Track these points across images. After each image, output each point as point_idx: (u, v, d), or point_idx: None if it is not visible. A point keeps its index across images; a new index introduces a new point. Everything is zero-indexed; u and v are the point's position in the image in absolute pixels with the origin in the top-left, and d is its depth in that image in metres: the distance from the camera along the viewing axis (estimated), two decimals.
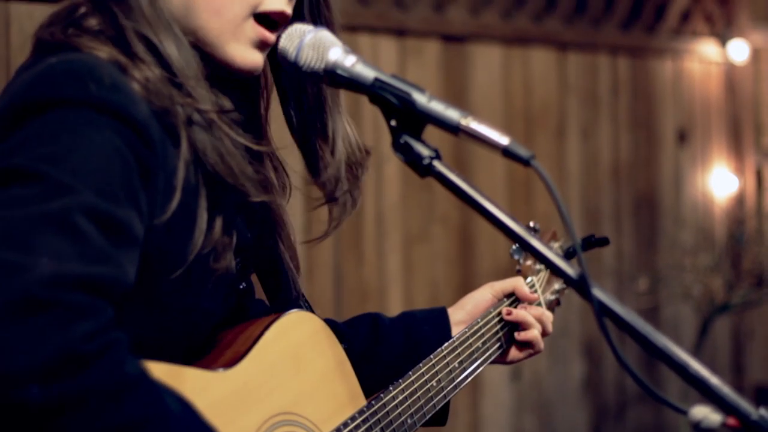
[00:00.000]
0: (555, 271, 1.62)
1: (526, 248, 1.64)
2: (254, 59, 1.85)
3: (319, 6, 1.93)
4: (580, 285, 1.60)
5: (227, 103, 1.83)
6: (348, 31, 3.96)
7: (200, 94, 1.76)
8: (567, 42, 4.91)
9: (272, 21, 1.84)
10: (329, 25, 1.90)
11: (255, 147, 1.84)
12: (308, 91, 1.98)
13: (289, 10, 1.84)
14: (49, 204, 1.51)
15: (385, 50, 4.15)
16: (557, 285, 2.45)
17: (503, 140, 1.62)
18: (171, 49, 1.75)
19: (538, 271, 2.41)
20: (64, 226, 1.50)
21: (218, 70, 1.86)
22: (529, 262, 2.43)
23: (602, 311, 1.59)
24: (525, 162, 1.61)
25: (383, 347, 2.26)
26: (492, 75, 4.58)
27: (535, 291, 2.37)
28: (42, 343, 1.42)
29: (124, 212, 1.57)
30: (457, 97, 4.42)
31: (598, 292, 1.59)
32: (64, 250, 1.48)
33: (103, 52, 1.70)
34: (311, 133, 2.00)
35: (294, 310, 1.94)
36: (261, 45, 1.84)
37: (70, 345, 1.43)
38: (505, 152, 1.62)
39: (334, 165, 1.99)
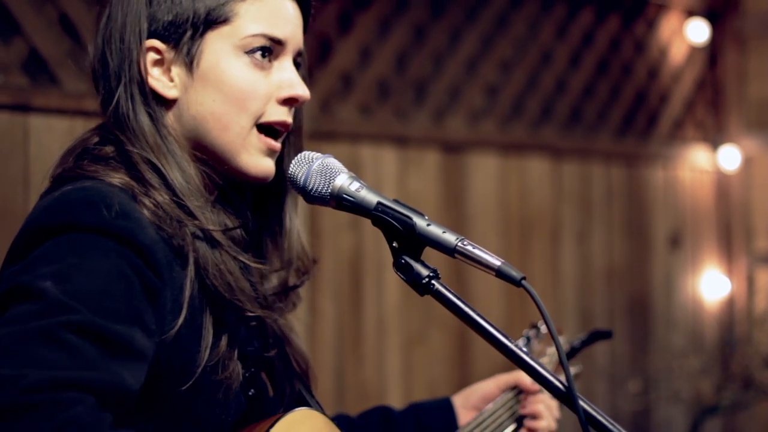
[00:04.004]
0: (542, 385, 1.72)
1: (517, 363, 1.71)
2: (266, 165, 1.97)
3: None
4: (566, 397, 1.68)
5: (228, 220, 1.94)
6: (351, 140, 4.06)
7: (204, 215, 1.86)
8: (562, 150, 4.95)
9: (275, 130, 1.97)
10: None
11: (253, 265, 1.94)
12: (269, 192, 2.10)
13: (289, 119, 1.98)
14: (45, 320, 1.59)
15: (387, 158, 4.20)
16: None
17: (496, 262, 1.70)
18: (174, 174, 1.86)
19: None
20: (56, 340, 1.57)
21: (231, 182, 1.98)
22: (535, 354, 2.52)
23: (588, 422, 1.68)
24: (516, 283, 1.69)
25: None
26: (489, 182, 4.62)
27: None
28: None
29: (123, 328, 1.65)
30: (455, 203, 4.46)
31: (583, 404, 1.67)
32: (53, 361, 1.56)
33: (116, 178, 1.81)
34: (265, 231, 2.10)
35: (299, 408, 2.00)
36: (269, 152, 1.97)
37: None
38: (498, 273, 1.70)
39: (284, 264, 2.09)
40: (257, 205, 2.10)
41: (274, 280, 2.09)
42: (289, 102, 1.98)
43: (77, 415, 1.53)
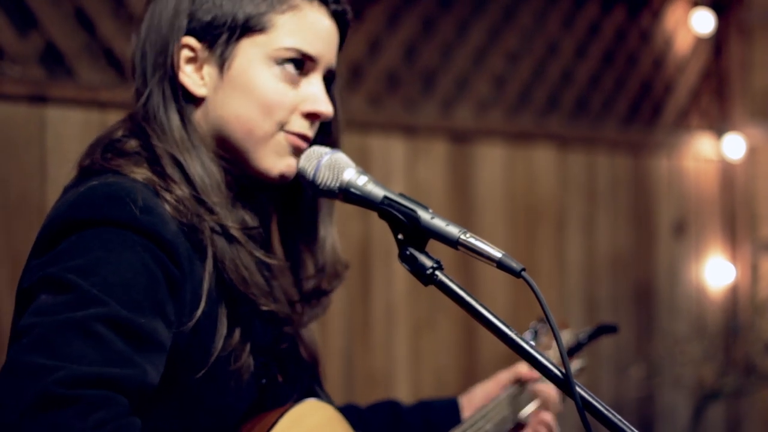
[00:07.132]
0: (542, 372, 1.76)
1: (517, 352, 1.72)
2: (288, 164, 1.99)
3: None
4: (564, 384, 1.71)
5: (248, 218, 1.97)
6: (360, 130, 4.09)
7: (223, 211, 1.90)
8: (568, 139, 4.96)
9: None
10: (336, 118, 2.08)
11: (269, 261, 1.98)
12: (305, 199, 2.12)
13: (311, 133, 2.00)
14: (76, 312, 1.62)
15: (396, 148, 4.23)
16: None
17: (497, 254, 1.74)
18: (196, 169, 1.90)
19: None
20: (87, 333, 1.61)
21: (250, 181, 2.00)
22: (542, 347, 2.54)
23: (586, 409, 1.70)
24: (516, 274, 1.73)
25: (403, 430, 2.39)
26: (496, 171, 4.64)
27: None
28: None
29: (147, 321, 1.69)
30: (462, 191, 4.49)
31: (581, 391, 1.69)
32: (85, 354, 1.59)
33: (139, 174, 1.85)
34: (300, 238, 2.13)
35: (308, 399, 2.03)
36: (294, 151, 1.99)
37: None
38: (499, 265, 1.74)
39: (318, 270, 2.12)
40: (290, 208, 2.14)
41: (308, 285, 2.12)
42: (311, 117, 2.01)
43: (110, 417, 1.56)
